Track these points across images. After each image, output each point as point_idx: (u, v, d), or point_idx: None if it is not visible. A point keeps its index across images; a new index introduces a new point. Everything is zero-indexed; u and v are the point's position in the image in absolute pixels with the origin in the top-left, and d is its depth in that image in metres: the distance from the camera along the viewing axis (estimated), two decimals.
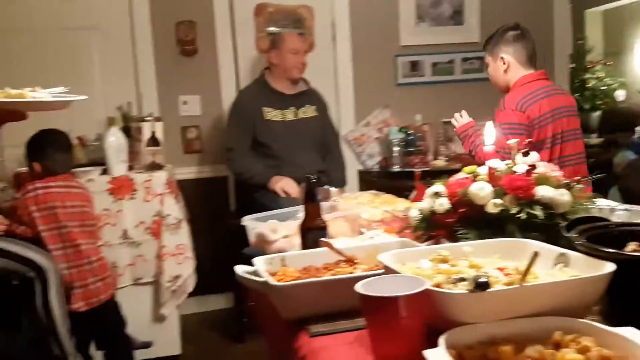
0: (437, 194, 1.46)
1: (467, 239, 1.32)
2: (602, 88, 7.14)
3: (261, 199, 3.28)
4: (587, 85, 7.11)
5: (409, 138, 3.99)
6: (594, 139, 6.49)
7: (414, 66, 4.19)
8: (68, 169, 2.82)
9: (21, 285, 2.41)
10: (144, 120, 3.22)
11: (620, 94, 7.13)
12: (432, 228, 1.45)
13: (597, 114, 6.86)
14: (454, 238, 1.38)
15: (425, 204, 1.46)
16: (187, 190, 3.70)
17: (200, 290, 3.37)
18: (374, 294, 0.95)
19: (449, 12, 4.21)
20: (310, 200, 1.58)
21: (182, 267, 3.14)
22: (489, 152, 1.46)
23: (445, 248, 1.23)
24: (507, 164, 1.42)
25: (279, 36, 3.54)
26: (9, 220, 2.60)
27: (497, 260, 1.17)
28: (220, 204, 3.94)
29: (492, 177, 1.39)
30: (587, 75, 7.13)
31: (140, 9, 3.75)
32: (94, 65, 3.76)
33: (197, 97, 3.90)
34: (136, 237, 3.09)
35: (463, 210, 1.36)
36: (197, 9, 3.84)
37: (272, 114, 3.44)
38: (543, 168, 1.40)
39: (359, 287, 0.98)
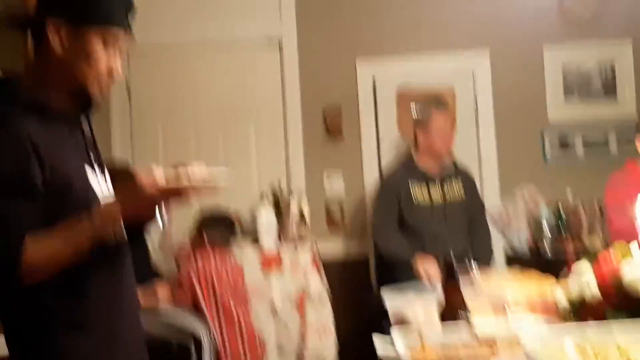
0: (586, 281, 1.38)
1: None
2: None
3: (402, 278, 3.24)
4: None
5: (560, 218, 3.78)
6: None
7: (564, 143, 4.02)
8: (225, 245, 3.06)
9: (179, 354, 2.59)
10: (292, 197, 3.41)
11: None
12: (582, 315, 1.37)
13: None
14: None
15: (574, 290, 1.39)
16: (328, 266, 3.78)
17: None
18: None
19: (601, 86, 4.03)
20: (451, 278, 1.57)
21: (324, 343, 3.18)
22: None
23: (594, 330, 1.16)
24: None
25: (425, 116, 3.59)
26: (172, 288, 2.86)
27: None
28: (361, 281, 3.97)
29: None
30: None
31: (292, 95, 4.07)
32: (249, 148, 4.10)
33: (340, 176, 4.07)
34: (282, 310, 3.20)
35: (616, 300, 1.28)
36: (343, 93, 4.07)
37: (419, 193, 3.43)
38: None
39: None
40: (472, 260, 3.15)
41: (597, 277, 1.32)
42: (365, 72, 4.08)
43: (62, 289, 1.25)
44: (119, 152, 3.98)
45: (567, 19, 4.02)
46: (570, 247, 3.61)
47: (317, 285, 3.22)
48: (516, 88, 4.05)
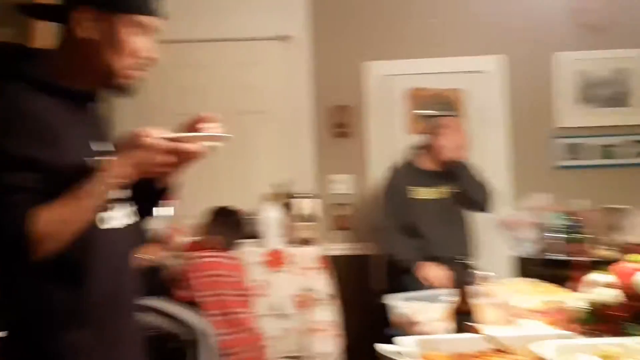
0: (606, 285, 1.35)
1: (637, 335, 1.20)
2: None
3: (407, 281, 3.23)
4: None
5: (571, 224, 3.74)
6: None
7: (574, 149, 3.99)
8: (230, 245, 3.04)
9: (175, 349, 2.56)
10: (301, 197, 3.38)
11: None
12: (599, 322, 1.33)
13: None
14: (620, 335, 1.26)
15: (593, 294, 1.36)
16: (334, 267, 3.76)
17: None
18: None
19: (613, 93, 4.00)
20: (463, 283, 1.54)
21: (328, 343, 3.16)
22: None
23: (612, 344, 1.13)
24: None
25: (438, 121, 3.57)
26: (174, 285, 2.83)
27: None
28: (366, 282, 3.95)
29: None
30: None
31: (302, 95, 4.04)
32: (257, 146, 4.07)
33: (349, 177, 4.04)
34: (285, 309, 3.19)
35: (637, 303, 1.24)
36: (352, 94, 4.05)
37: (421, 193, 3.44)
38: None
39: None
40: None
41: (621, 283, 1.29)
42: (375, 72, 4.05)
43: (60, 281, 1.23)
44: None
45: (581, 26, 3.98)
46: (579, 253, 3.57)
47: (322, 286, 3.19)
48: (528, 94, 4.03)
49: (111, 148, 1.31)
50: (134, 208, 1.37)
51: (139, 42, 1.29)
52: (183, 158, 1.24)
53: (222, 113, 4.31)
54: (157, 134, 1.22)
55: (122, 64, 1.28)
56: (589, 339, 1.28)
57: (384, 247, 3.51)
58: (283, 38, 4.04)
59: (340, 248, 4.00)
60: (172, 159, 1.22)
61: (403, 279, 3.30)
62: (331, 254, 3.84)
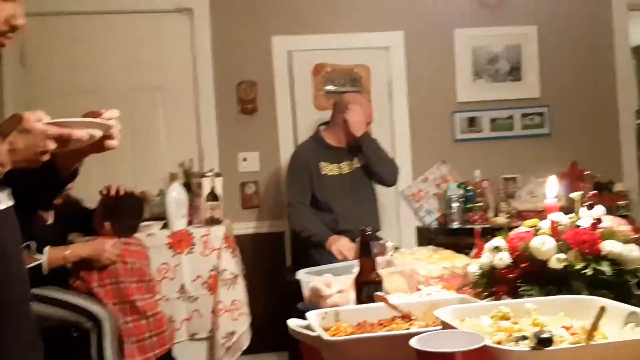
0: (497, 249, 1.41)
1: (529, 295, 1.26)
2: None
3: (317, 256, 3.26)
4: None
5: (468, 194, 3.92)
6: None
7: (472, 122, 4.16)
8: (134, 232, 2.91)
9: (79, 337, 2.46)
10: (204, 176, 3.30)
11: None
12: (493, 284, 1.40)
13: None
14: (515, 295, 1.32)
15: (485, 259, 1.42)
16: (244, 246, 3.73)
17: (255, 347, 3.34)
18: (430, 349, 0.91)
19: (507, 69, 4.19)
20: (366, 254, 1.56)
21: (237, 323, 3.14)
22: (551, 206, 1.41)
23: (507, 305, 1.18)
24: (570, 218, 1.37)
25: (343, 99, 3.59)
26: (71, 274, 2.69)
27: (562, 318, 1.11)
28: (277, 259, 3.95)
29: (555, 231, 1.33)
30: None
31: (204, 70, 3.92)
32: (158, 124, 3.92)
33: (256, 154, 3.99)
34: (193, 291, 3.13)
35: (525, 265, 1.31)
36: (258, 70, 3.98)
37: (329, 169, 3.47)
38: (609, 222, 1.34)
39: (414, 342, 0.94)
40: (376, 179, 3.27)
41: (509, 247, 1.35)
42: (281, 48, 4.01)
43: None
44: None
45: (478, 4, 4.13)
46: (477, 221, 3.75)
47: (230, 265, 3.15)
48: (429, 69, 4.13)
49: None
50: (9, 191, 1.26)
51: (6, 8, 1.17)
52: (63, 145, 1.15)
53: (117, 90, 4.14)
54: (43, 119, 1.12)
55: None
56: (485, 301, 1.33)
57: (293, 224, 3.52)
58: (183, 10, 3.89)
59: (249, 226, 3.97)
60: (53, 145, 1.13)
61: (313, 254, 3.32)
62: (240, 233, 3.81)
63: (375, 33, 4.09)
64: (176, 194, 3.18)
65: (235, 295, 3.16)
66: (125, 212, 2.86)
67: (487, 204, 3.91)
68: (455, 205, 3.87)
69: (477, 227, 3.38)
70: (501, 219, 3.74)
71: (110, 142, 1.27)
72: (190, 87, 3.94)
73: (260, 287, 3.69)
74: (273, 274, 3.81)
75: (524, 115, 4.17)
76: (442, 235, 3.82)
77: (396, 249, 2.76)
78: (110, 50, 3.86)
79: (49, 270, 2.54)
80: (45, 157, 1.15)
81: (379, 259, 2.20)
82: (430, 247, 2.29)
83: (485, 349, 0.90)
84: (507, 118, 4.17)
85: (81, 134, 1.17)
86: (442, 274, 1.97)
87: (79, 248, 2.67)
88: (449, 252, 2.17)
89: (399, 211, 4.11)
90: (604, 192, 3.89)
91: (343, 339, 1.20)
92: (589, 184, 3.81)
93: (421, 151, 4.12)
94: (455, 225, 3.84)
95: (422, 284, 1.89)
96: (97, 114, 1.26)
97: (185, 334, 3.13)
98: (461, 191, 3.92)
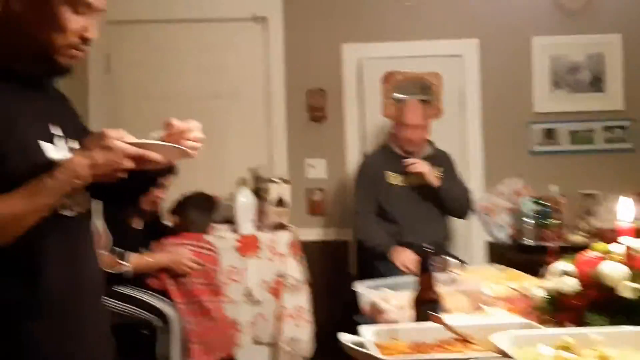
0: (565, 273, 1.34)
1: (596, 325, 1.19)
2: None
3: (382, 268, 3.22)
4: None
5: (544, 210, 3.75)
6: None
7: (550, 134, 3.99)
8: (203, 229, 2.99)
9: (148, 335, 2.54)
10: (272, 182, 3.34)
11: None
12: (559, 310, 1.32)
13: None
14: (582, 324, 1.25)
15: (552, 283, 1.35)
16: (309, 252, 3.74)
17: (318, 357, 3.33)
18: None
19: (589, 79, 3.99)
20: (425, 270, 1.52)
21: (300, 329, 3.15)
22: (624, 229, 1.32)
23: (571, 334, 1.11)
24: None
25: (400, 107, 3.54)
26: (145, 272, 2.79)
27: (630, 352, 1.04)
28: (341, 267, 3.93)
29: (629, 257, 1.25)
30: None
31: (275, 78, 3.98)
32: (230, 130, 4.01)
33: (323, 161, 4.00)
34: (258, 295, 3.17)
35: (593, 292, 1.23)
36: (327, 78, 3.99)
37: (396, 179, 3.42)
38: None
39: None
40: (449, 252, 3.17)
41: (578, 272, 1.27)
42: (351, 56, 4.00)
43: (13, 271, 1.19)
44: (96, 127, 3.87)
45: (558, 11, 3.97)
46: (552, 239, 3.58)
47: (295, 271, 3.17)
48: (504, 78, 4.01)
49: (75, 137, 1.29)
50: (89, 194, 1.33)
51: (79, 20, 1.23)
52: (140, 164, 1.21)
53: (193, 96, 4.28)
54: (124, 138, 1.18)
55: (60, 41, 1.22)
56: (548, 328, 1.27)
57: (359, 233, 3.50)
58: (257, 19, 3.97)
59: (314, 233, 3.98)
60: (130, 164, 1.18)
61: (377, 265, 3.29)
62: (305, 240, 3.82)
63: (448, 40, 4.00)
64: (244, 199, 3.24)
65: (299, 301, 3.17)
66: (193, 207, 2.96)
67: (563, 221, 3.73)
68: (529, 221, 3.72)
69: (552, 245, 3.23)
70: (579, 238, 3.56)
71: (189, 152, 1.30)
72: (262, 94, 4.01)
73: (324, 296, 3.69)
74: (337, 283, 3.79)
75: (606, 129, 3.95)
76: (514, 252, 3.68)
77: (462, 263, 2.68)
78: (188, 57, 3.99)
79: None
80: (123, 175, 1.21)
81: (442, 276, 2.14)
82: (497, 265, 2.21)
83: None
84: (587, 131, 3.96)
85: (158, 157, 1.22)
86: (508, 294, 1.89)
87: (160, 257, 2.78)
88: (517, 272, 2.09)
89: (469, 225, 3.99)
90: None
91: (396, 359, 1.17)
92: None
93: (494, 163, 3.99)
94: (529, 242, 3.69)
95: (486, 304, 1.83)
96: (173, 128, 1.29)
97: (249, 338, 3.17)
98: (536, 207, 3.76)
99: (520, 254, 3.57)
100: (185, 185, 3.67)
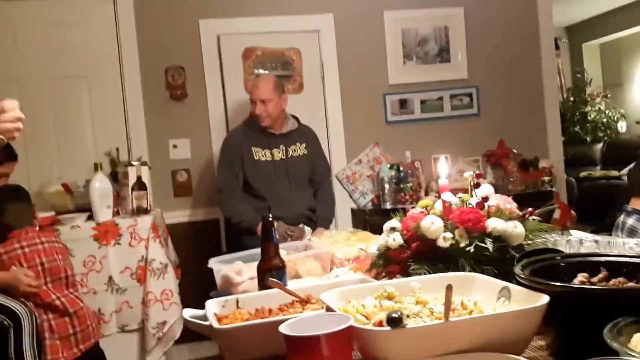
0: (393, 230, 1.43)
1: (419, 274, 1.29)
2: (603, 120, 7.14)
3: (249, 242, 3.23)
4: (588, 118, 7.12)
5: (400, 175, 3.97)
6: (598, 171, 6.45)
7: (403, 104, 4.20)
8: (28, 221, 2.76)
9: None
10: (130, 165, 3.23)
11: (622, 126, 7.12)
12: (388, 264, 1.42)
13: (599, 146, 6.84)
14: (409, 274, 1.34)
15: (381, 239, 1.43)
16: (179, 235, 3.68)
17: (191, 336, 3.29)
18: (295, 333, 0.91)
19: (436, 50, 4.24)
20: (267, 239, 1.55)
21: (168, 313, 3.10)
22: (444, 186, 1.43)
23: (392, 284, 1.20)
24: (460, 197, 1.40)
25: (251, 82, 3.54)
26: None
27: (444, 295, 1.13)
28: (213, 247, 3.91)
29: (446, 211, 1.36)
30: (588, 108, 7.14)
31: (129, 57, 3.82)
32: (83, 113, 3.80)
33: (187, 141, 3.93)
34: (121, 283, 3.07)
35: (416, 245, 1.33)
36: (186, 54, 3.91)
37: (261, 154, 3.42)
38: (496, 200, 1.37)
39: (283, 328, 0.95)
40: (316, 221, 3.25)
41: (402, 227, 1.37)
42: (210, 31, 3.94)
43: None
44: None
45: None
46: (408, 201, 3.80)
47: (159, 255, 3.10)
48: (360, 52, 4.14)
49: None
50: None
51: None
52: None
53: (39, 77, 3.97)
54: None
55: None
56: (376, 282, 1.35)
57: (225, 210, 3.48)
58: None
59: (183, 215, 3.91)
60: None
61: (246, 240, 3.30)
62: (174, 222, 3.75)
63: (305, 16, 4.06)
64: (100, 185, 3.10)
65: (165, 284, 3.11)
66: (8, 201, 2.69)
67: (418, 184, 3.98)
68: (387, 186, 3.91)
69: (409, 207, 3.42)
70: (431, 199, 3.80)
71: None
72: (116, 74, 3.83)
73: (196, 276, 3.64)
74: (206, 263, 3.76)
75: (453, 96, 4.23)
76: (376, 217, 3.85)
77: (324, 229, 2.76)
78: (36, 37, 3.71)
79: None
80: None
81: (297, 243, 2.21)
82: (349, 229, 2.31)
83: (350, 330, 0.91)
84: (437, 99, 4.22)
85: None
86: (359, 255, 1.98)
87: None
88: (365, 234, 2.19)
89: (335, 194, 4.11)
90: (530, 169, 4.01)
91: (231, 326, 1.19)
92: (515, 161, 3.92)
93: (354, 134, 4.14)
94: (388, 205, 3.88)
95: (337, 266, 1.91)
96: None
97: (115, 326, 3.07)
98: (393, 172, 3.97)
99: (382, 218, 3.74)
100: (35, 172, 3.44)
